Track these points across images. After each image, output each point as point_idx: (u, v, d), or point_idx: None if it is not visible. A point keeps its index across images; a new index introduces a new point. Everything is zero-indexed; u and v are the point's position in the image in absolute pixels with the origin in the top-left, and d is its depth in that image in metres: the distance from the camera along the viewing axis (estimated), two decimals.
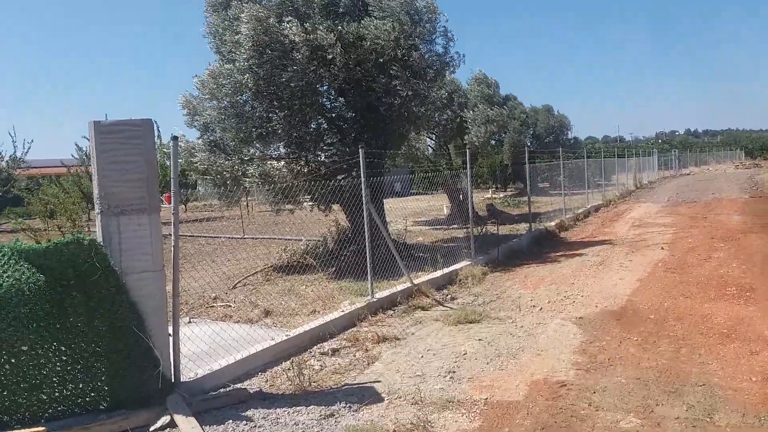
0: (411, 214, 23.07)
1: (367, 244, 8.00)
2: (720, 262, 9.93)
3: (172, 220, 5.23)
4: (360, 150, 8.04)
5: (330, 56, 9.90)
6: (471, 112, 18.40)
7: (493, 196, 31.11)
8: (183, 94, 11.18)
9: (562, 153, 21.86)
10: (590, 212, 19.82)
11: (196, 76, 10.69)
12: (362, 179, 8.01)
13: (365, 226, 8.03)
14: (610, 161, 31.02)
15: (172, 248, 5.24)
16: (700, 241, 12.25)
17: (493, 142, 26.85)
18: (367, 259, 7.96)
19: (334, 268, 10.68)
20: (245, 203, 24.07)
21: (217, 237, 16.91)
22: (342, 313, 7.24)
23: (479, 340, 6.39)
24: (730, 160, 64.96)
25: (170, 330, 5.10)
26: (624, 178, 31.58)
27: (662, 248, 11.61)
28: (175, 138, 5.63)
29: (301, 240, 13.28)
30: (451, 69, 13.16)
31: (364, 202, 8.06)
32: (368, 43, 10.07)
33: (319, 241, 12.68)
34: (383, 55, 10.24)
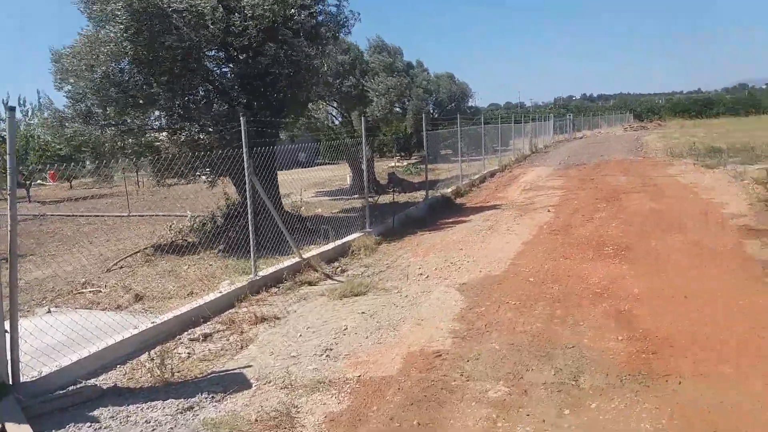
0: (314, 184, 22.65)
1: (249, 218, 7.57)
2: (601, 222, 10.37)
3: (9, 201, 4.61)
4: (241, 118, 7.53)
5: (210, 21, 9.22)
6: (372, 81, 18.10)
7: (397, 164, 31.17)
8: (52, 51, 9.94)
9: (462, 120, 22.15)
10: (486, 177, 20.28)
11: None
12: (244, 149, 7.53)
13: (248, 199, 7.59)
14: (508, 127, 31.92)
15: (9, 232, 4.61)
16: (586, 202, 12.77)
17: (397, 109, 26.82)
18: (250, 234, 7.55)
19: (222, 246, 10.16)
20: (135, 179, 22.64)
21: (100, 216, 15.72)
22: (220, 294, 6.83)
23: (362, 313, 6.23)
24: (620, 123, 68.97)
25: (7, 325, 4.52)
26: (521, 143, 32.64)
27: (549, 210, 12.01)
28: (11, 109, 4.95)
29: (185, 216, 12.59)
30: (347, 29, 12.77)
31: (246, 174, 7.60)
32: (250, 8, 9.46)
33: (206, 216, 12.03)
34: (268, 18, 9.67)
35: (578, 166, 22.26)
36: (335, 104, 20.28)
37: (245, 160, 7.46)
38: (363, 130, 11.84)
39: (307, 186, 21.75)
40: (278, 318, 6.33)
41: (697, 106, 72.19)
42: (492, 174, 21.45)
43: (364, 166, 11.92)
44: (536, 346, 4.96)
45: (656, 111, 78.86)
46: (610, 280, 6.72)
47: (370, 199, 15.03)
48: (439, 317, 5.90)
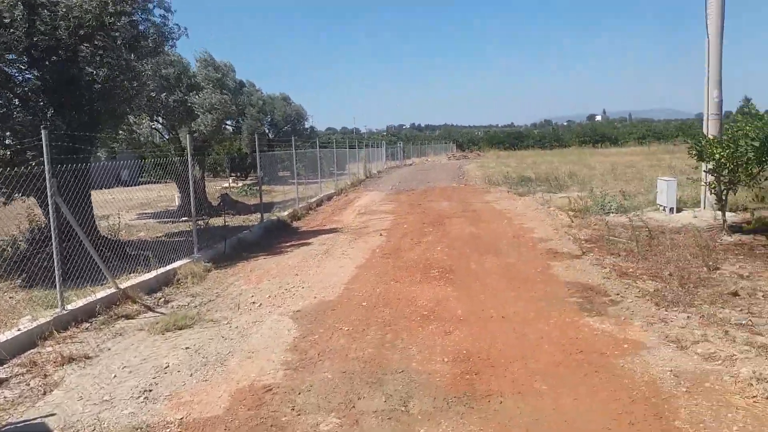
0: (138, 205, 20.96)
1: (53, 244, 6.70)
2: (428, 245, 10.91)
3: None
4: (42, 132, 6.67)
5: (7, 20, 8.14)
6: (197, 96, 17.26)
7: (231, 185, 30.19)
8: None
9: (299, 142, 22.13)
10: (323, 201, 20.44)
11: None
12: (46, 167, 6.67)
13: (51, 222, 6.73)
14: (344, 151, 32.68)
15: None
16: (414, 226, 13.40)
17: (229, 128, 25.97)
18: (55, 262, 6.68)
19: (26, 275, 8.88)
20: None
21: None
22: (18, 332, 5.94)
23: (186, 348, 5.79)
24: (444, 152, 74.11)
25: None
26: (356, 167, 33.53)
27: (381, 234, 12.38)
28: None
29: None
30: (171, 42, 12.11)
31: (49, 195, 6.73)
32: (63, 9, 8.53)
33: (6, 241, 10.47)
34: (85, 22, 8.79)
35: (408, 191, 23.38)
36: (161, 120, 19.01)
37: (47, 179, 6.63)
38: (189, 147, 11.18)
39: (130, 207, 20.05)
40: (89, 357, 5.64)
41: (510, 139, 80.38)
42: (329, 197, 21.66)
43: (191, 186, 11.25)
44: (368, 373, 4.98)
45: (476, 142, 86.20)
46: (436, 302, 7.05)
47: (201, 222, 14.32)
48: (271, 348, 5.69)
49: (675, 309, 6.33)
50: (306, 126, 34.76)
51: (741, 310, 6.15)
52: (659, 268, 8.23)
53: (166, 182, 22.88)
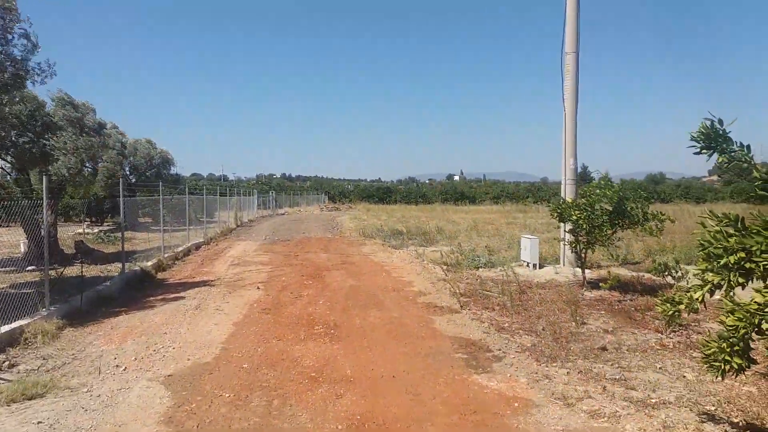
0: None
1: None
2: (309, 299, 10.61)
3: None
4: None
5: None
6: (55, 137, 15.73)
7: (87, 230, 27.61)
8: None
9: (164, 188, 20.88)
10: (191, 250, 19.30)
11: None
12: None
13: None
14: (213, 198, 31.43)
15: None
16: (293, 279, 13.02)
17: (87, 170, 23.93)
18: None
19: None
20: None
21: None
22: None
23: (38, 423, 4.96)
24: (317, 203, 74.43)
25: None
26: (226, 215, 32.36)
27: (258, 288, 11.86)
28: None
29: None
30: (38, 79, 11.06)
31: None
32: None
33: None
34: None
35: (283, 241, 22.89)
36: (8, 159, 17.03)
37: None
38: (44, 190, 10.04)
39: None
40: None
41: (380, 193, 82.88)
42: (197, 246, 20.51)
43: (44, 232, 10.04)
44: None
45: (347, 195, 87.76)
46: (324, 362, 6.77)
47: (52, 273, 12.79)
48: (141, 420, 5.04)
49: (554, 364, 6.63)
50: (172, 171, 33.06)
51: (612, 365, 6.59)
52: (532, 323, 8.67)
53: (9, 226, 20.39)
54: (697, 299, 4.23)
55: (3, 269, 14.90)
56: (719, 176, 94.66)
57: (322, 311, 9.58)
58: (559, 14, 14.22)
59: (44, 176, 11.18)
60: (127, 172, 30.38)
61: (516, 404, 5.38)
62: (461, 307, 9.82)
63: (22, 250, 17.53)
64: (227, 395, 5.66)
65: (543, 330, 8.20)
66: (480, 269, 14.13)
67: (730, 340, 4.01)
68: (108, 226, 30.72)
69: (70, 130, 15.87)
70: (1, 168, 18.05)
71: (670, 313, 4.43)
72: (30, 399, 5.49)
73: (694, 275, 4.32)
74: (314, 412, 5.23)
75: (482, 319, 8.96)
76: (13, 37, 10.29)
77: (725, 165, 4.40)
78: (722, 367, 4.07)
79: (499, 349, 7.33)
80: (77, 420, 5.06)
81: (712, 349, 4.13)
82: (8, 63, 9.67)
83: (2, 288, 11.66)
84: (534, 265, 14.06)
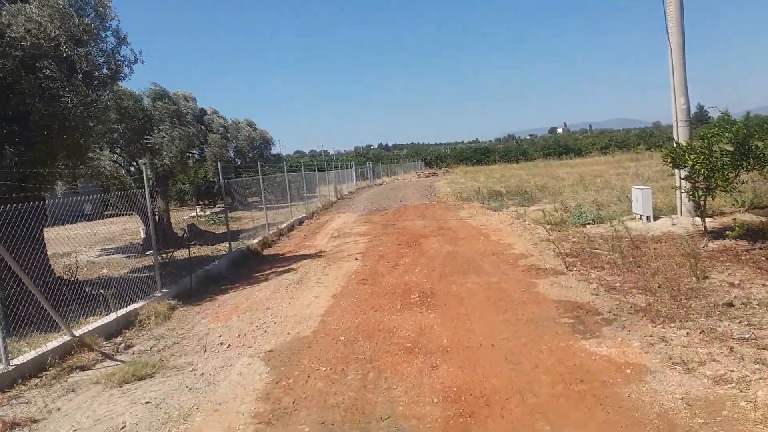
0: (102, 240, 20.17)
1: None
2: (406, 268, 10.46)
3: None
4: None
5: None
6: (156, 130, 16.60)
7: (199, 213, 29.37)
8: None
9: (265, 167, 21.56)
10: (294, 225, 19.87)
11: None
12: None
13: None
14: (313, 174, 32.15)
15: None
16: (390, 248, 12.94)
17: (197, 156, 25.28)
18: None
19: None
20: None
21: None
22: None
23: (146, 403, 5.19)
24: (414, 170, 74.28)
25: None
26: (326, 189, 33.05)
27: (356, 259, 11.89)
28: None
29: None
30: (126, 72, 11.59)
31: None
32: (14, 35, 7.97)
33: None
34: (37, 51, 8.24)
35: (380, 211, 22.97)
36: (119, 152, 18.29)
37: None
38: (146, 178, 10.58)
39: (93, 242, 19.20)
40: (36, 421, 5.00)
41: (477, 155, 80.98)
42: (300, 221, 21.09)
43: (150, 219, 10.62)
44: (350, 422, 4.47)
45: (443, 159, 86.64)
46: (419, 332, 6.58)
47: (165, 256, 13.63)
48: (240, 398, 5.13)
49: (672, 325, 5.98)
50: (273, 151, 34.14)
51: (740, 322, 5.84)
52: (647, 281, 7.94)
53: (131, 215, 22.10)
54: None
55: (126, 255, 16.12)
56: None
57: (419, 279, 9.39)
58: None
59: (143, 164, 11.80)
60: (232, 155, 31.80)
61: (628, 371, 4.87)
62: (566, 268, 9.22)
63: (142, 236, 18.90)
64: (324, 369, 5.64)
65: (659, 288, 7.46)
66: (587, 226, 13.27)
67: None
68: (219, 207, 32.45)
69: (168, 123, 16.65)
70: (115, 161, 19.45)
71: None
72: (140, 380, 5.78)
73: None
74: (409, 385, 5.05)
75: (590, 280, 8.34)
76: (107, 34, 10.79)
77: None
78: None
79: (609, 312, 6.75)
80: (181, 399, 5.24)
81: None
82: (104, 60, 10.12)
83: (124, 273, 12.58)
84: (648, 218, 12.97)
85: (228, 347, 6.69)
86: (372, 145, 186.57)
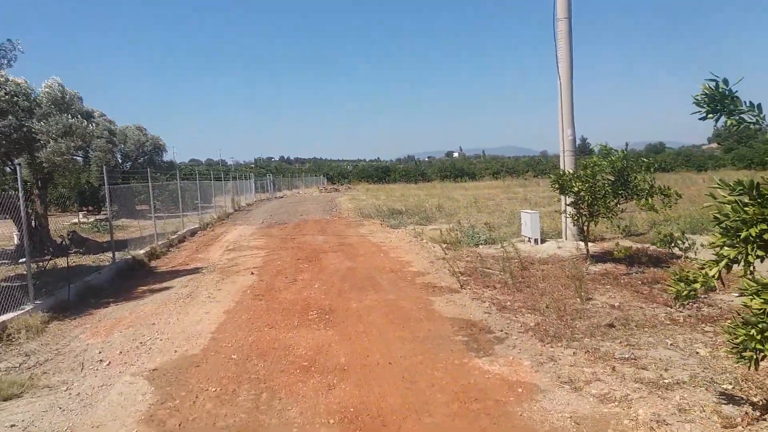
0: None
1: None
2: (304, 284, 10.28)
3: None
4: None
5: None
6: (44, 122, 15.28)
7: (82, 220, 27.29)
8: None
9: (156, 174, 20.46)
10: (186, 237, 18.97)
11: None
12: None
13: None
14: (209, 183, 31.02)
15: None
16: (288, 263, 12.69)
17: (80, 159, 23.51)
18: None
19: None
20: None
21: None
22: None
23: (11, 426, 4.65)
24: (315, 185, 74.00)
25: None
26: (223, 200, 31.99)
27: (252, 273, 11.54)
28: None
29: None
30: (3, 62, 10.63)
31: None
32: None
33: None
34: None
35: (280, 224, 22.55)
36: None
37: None
38: (20, 178, 9.65)
39: None
40: None
41: (378, 173, 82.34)
42: (193, 233, 20.18)
43: (24, 223, 9.69)
44: None
45: (346, 175, 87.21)
46: (317, 350, 6.45)
47: (42, 264, 12.48)
48: (120, 420, 4.73)
49: (559, 344, 6.30)
50: (165, 158, 32.62)
51: (621, 343, 6.26)
52: (535, 300, 8.34)
53: (5, 218, 20.09)
54: (713, 276, 3.87)
55: None
56: (719, 143, 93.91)
57: (317, 295, 9.26)
58: None
59: (18, 165, 10.80)
60: (120, 160, 29.95)
61: (520, 390, 5.05)
62: (461, 286, 9.49)
63: (15, 242, 17.22)
64: (213, 389, 5.35)
65: (547, 307, 7.87)
66: (480, 246, 13.80)
67: (760, 326, 3.65)
68: (104, 215, 30.37)
69: (58, 115, 15.39)
70: None
71: (685, 293, 4.07)
72: (5, 400, 5.18)
73: (710, 247, 3.93)
74: (305, 406, 4.90)
75: (483, 299, 8.64)
76: None
77: (734, 128, 4.00)
78: (754, 357, 3.72)
79: (501, 330, 7.01)
80: (53, 421, 4.75)
81: (741, 338, 3.76)
82: None
83: None
84: (535, 240, 13.73)
85: (108, 365, 6.18)
86: (273, 158, 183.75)
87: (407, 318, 7.67)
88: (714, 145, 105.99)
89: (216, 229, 21.82)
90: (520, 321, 7.37)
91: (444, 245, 13.57)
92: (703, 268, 4.00)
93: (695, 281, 4.04)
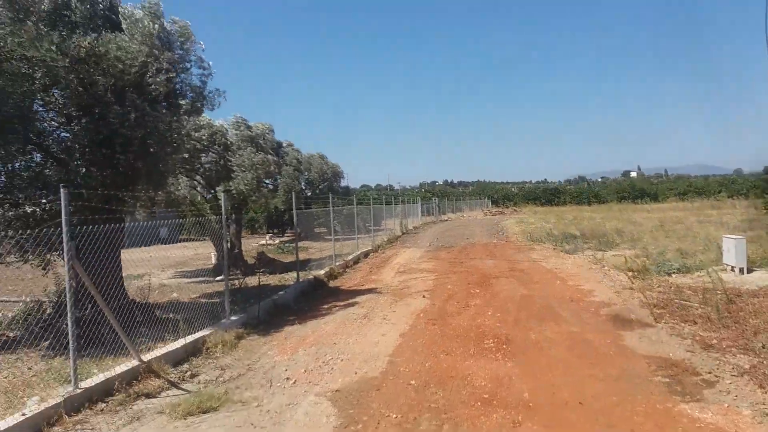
0: (175, 263, 20.68)
1: (68, 313, 6.06)
2: (477, 310, 9.97)
3: None
4: (62, 191, 6.17)
5: (53, 73, 7.97)
6: (235, 156, 17.09)
7: (269, 242, 29.88)
8: None
9: (335, 199, 21.64)
10: (360, 258, 19.71)
11: None
12: (63, 228, 6.12)
13: (67, 288, 6.12)
14: (380, 208, 32.16)
15: None
16: (459, 287, 12.48)
17: (270, 186, 25.89)
18: (69, 334, 6.01)
19: (48, 342, 8.36)
20: None
21: None
22: (23, 418, 5.20)
23: None
24: (479, 208, 73.44)
25: None
26: (392, 223, 32.93)
27: (424, 296, 11.50)
28: None
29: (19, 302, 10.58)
30: (210, 105, 12.00)
31: (65, 258, 6.16)
32: (106, 64, 8.33)
33: (31, 304, 10.03)
34: (123, 79, 8.59)
35: (447, 248, 22.51)
36: (198, 179, 18.89)
37: (65, 241, 6.05)
38: (223, 205, 10.69)
39: (166, 265, 19.74)
40: None
41: (546, 195, 79.28)
42: (366, 254, 20.94)
43: (224, 245, 10.70)
44: None
45: (510, 198, 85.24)
46: (497, 382, 6.10)
47: (236, 282, 13.73)
48: None
49: None
50: (342, 184, 34.58)
51: None
52: (748, 339, 7.14)
53: (204, 239, 22.67)
54: None
55: (197, 280, 16.40)
56: None
57: (492, 323, 8.89)
58: None
59: (223, 193, 11.98)
60: (303, 186, 32.41)
61: None
62: (655, 320, 8.49)
63: (213, 261, 19.27)
64: (394, 416, 5.26)
65: (763, 347, 6.67)
66: (673, 275, 12.36)
67: None
68: (287, 237, 32.96)
69: (249, 149, 17.08)
70: (194, 189, 20.09)
71: None
72: (204, 413, 5.58)
73: None
74: None
75: (683, 335, 7.61)
76: (191, 65, 11.17)
77: None
78: None
79: (710, 372, 6.06)
80: None
81: None
82: (188, 90, 10.45)
83: (194, 298, 12.68)
84: (741, 269, 11.96)
85: (294, 383, 6.44)
86: (437, 181, 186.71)
87: (595, 353, 7.00)
88: None
89: (387, 251, 22.42)
90: (731, 362, 6.34)
91: (630, 273, 12.38)
92: None
93: None
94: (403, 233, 32.40)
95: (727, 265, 12.51)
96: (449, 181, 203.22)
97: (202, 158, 16.45)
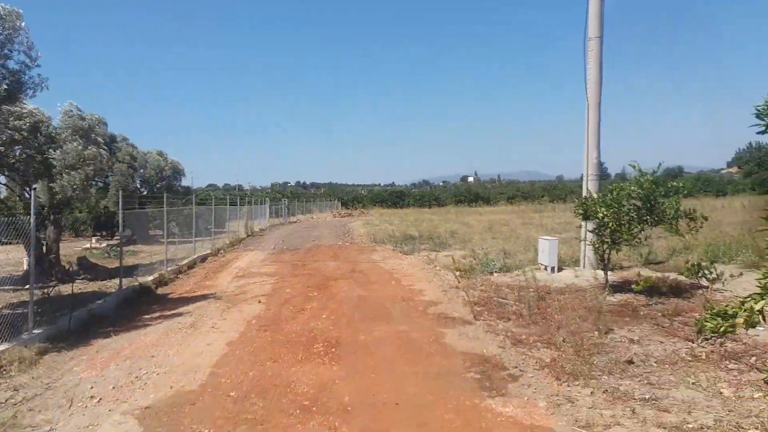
0: None
1: None
2: (312, 313, 9.90)
3: None
4: None
5: None
6: (59, 151, 15.19)
7: (94, 245, 27.27)
8: None
9: (172, 199, 20.36)
10: (196, 263, 18.73)
11: None
12: None
13: None
14: (223, 208, 30.91)
15: None
16: (298, 290, 12.33)
17: (100, 184, 23.50)
18: None
19: None
20: None
21: None
22: None
23: None
24: (329, 209, 73.88)
25: None
26: (236, 225, 31.86)
27: (260, 301, 11.18)
28: None
29: None
30: (29, 93, 10.78)
31: None
32: None
33: None
34: None
35: (292, 250, 22.24)
36: (6, 174, 16.59)
37: None
38: (33, 204, 9.51)
39: None
40: None
41: (393, 198, 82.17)
42: (203, 258, 19.95)
43: (32, 249, 9.53)
44: None
45: (360, 200, 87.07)
46: (320, 387, 6.05)
47: (46, 291, 12.29)
48: None
49: (576, 383, 5.85)
50: (183, 183, 32.69)
51: (641, 381, 5.81)
52: (552, 334, 7.88)
53: (17, 243, 20.01)
54: (758, 311, 3.44)
55: (3, 288, 14.41)
56: (739, 167, 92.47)
57: (325, 326, 8.87)
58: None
59: (33, 190, 10.66)
60: (138, 185, 30.04)
61: None
62: (474, 317, 9.06)
63: (25, 267, 17.11)
64: (206, 431, 4.97)
65: (563, 341, 7.41)
66: (495, 274, 13.35)
67: None
68: (117, 240, 30.38)
69: (79, 142, 15.31)
70: (6, 185, 17.67)
71: (723, 329, 3.64)
72: None
73: (764, 278, 3.51)
74: None
75: (497, 331, 8.19)
76: (12, 51, 10.05)
77: None
78: None
79: (516, 367, 6.56)
80: None
81: None
82: (3, 77, 9.33)
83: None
84: (552, 269, 13.25)
85: (98, 402, 5.83)
86: (289, 182, 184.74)
87: (418, 351, 7.26)
88: (733, 169, 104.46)
89: (227, 255, 21.57)
90: (535, 356, 6.93)
91: (457, 273, 13.15)
92: (745, 302, 3.58)
93: (734, 316, 3.62)
94: (248, 235, 31.48)
95: (542, 264, 13.78)
96: (302, 182, 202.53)
97: (21, 153, 14.46)
